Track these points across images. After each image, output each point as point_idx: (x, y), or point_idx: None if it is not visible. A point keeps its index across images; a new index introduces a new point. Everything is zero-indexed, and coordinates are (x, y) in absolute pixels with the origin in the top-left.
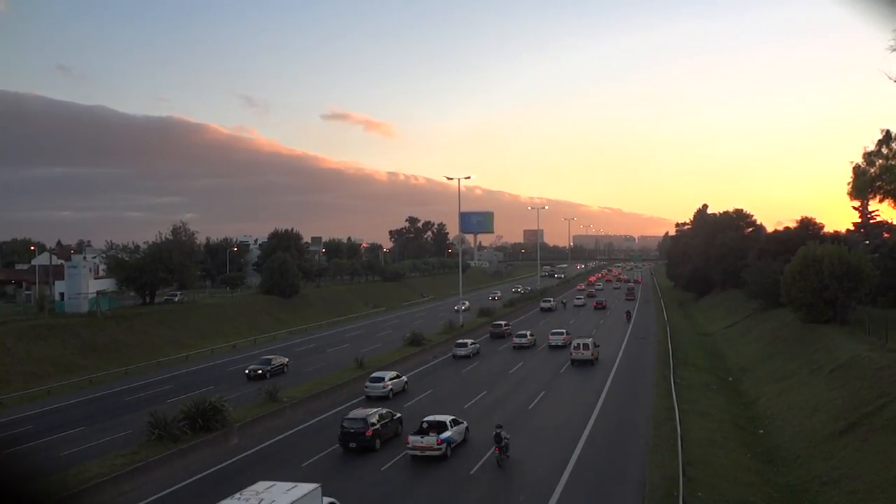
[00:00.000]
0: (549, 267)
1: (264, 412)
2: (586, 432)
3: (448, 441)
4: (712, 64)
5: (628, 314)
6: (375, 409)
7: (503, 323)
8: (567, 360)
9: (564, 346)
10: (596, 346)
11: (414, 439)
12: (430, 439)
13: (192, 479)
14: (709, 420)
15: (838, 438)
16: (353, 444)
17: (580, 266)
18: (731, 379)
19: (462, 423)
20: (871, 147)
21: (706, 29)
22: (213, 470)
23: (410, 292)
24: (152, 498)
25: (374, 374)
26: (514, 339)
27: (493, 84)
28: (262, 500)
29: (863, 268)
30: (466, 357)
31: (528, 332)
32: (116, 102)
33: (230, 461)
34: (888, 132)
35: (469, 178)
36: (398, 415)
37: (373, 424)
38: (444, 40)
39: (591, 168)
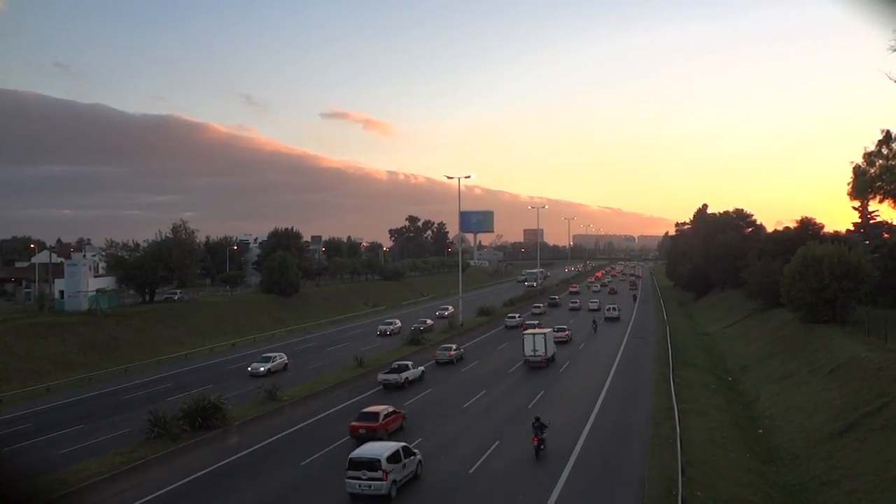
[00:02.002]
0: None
1: (264, 410)
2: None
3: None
4: (712, 64)
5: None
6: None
7: (556, 297)
8: (603, 317)
9: (598, 310)
10: (620, 309)
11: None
12: (560, 334)
13: (191, 478)
14: (708, 419)
15: (837, 438)
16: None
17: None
18: (730, 379)
19: (570, 330)
20: (871, 147)
21: (706, 30)
22: (212, 468)
23: (410, 291)
24: (151, 496)
25: (509, 314)
26: (570, 304)
27: (492, 84)
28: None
29: (862, 268)
30: (541, 314)
31: (579, 300)
32: (115, 100)
33: (230, 459)
34: (888, 132)
35: (469, 177)
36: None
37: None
38: (444, 40)
39: (591, 168)
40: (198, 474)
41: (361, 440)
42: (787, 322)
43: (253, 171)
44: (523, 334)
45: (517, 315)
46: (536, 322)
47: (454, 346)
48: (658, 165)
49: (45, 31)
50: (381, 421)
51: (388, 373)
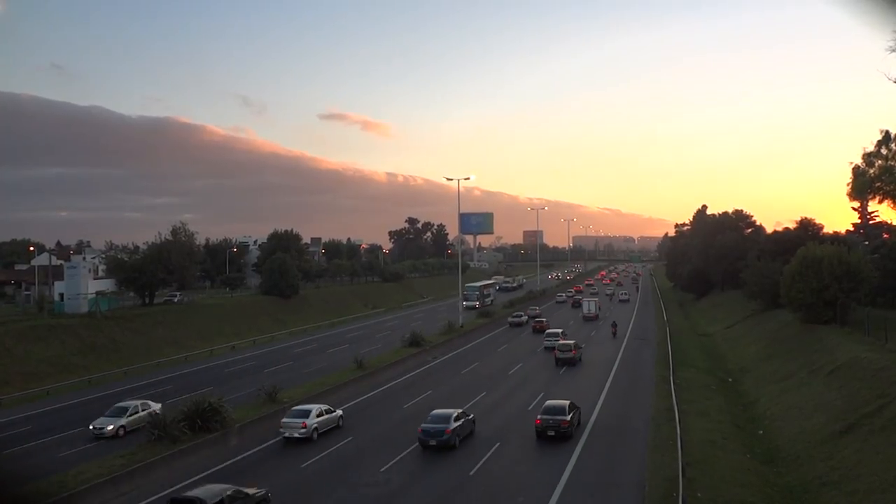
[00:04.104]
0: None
1: (264, 413)
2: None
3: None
4: (711, 64)
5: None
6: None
7: (580, 286)
8: (618, 299)
9: (613, 294)
10: (629, 294)
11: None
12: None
13: (191, 480)
14: (708, 420)
15: (838, 439)
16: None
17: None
18: (730, 379)
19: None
20: (871, 148)
21: (705, 29)
22: (212, 470)
23: (410, 293)
24: (152, 499)
25: (558, 294)
26: (591, 291)
27: (491, 85)
28: (592, 298)
29: (862, 268)
30: (571, 296)
31: (597, 289)
32: (112, 102)
33: (230, 462)
34: (887, 133)
35: (468, 178)
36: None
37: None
38: (442, 40)
39: (590, 169)
40: (198, 476)
41: (538, 332)
42: (787, 323)
43: (251, 173)
44: (582, 301)
45: (564, 294)
46: (581, 297)
47: (538, 307)
48: (657, 167)
49: (41, 33)
50: (545, 322)
51: (514, 317)
